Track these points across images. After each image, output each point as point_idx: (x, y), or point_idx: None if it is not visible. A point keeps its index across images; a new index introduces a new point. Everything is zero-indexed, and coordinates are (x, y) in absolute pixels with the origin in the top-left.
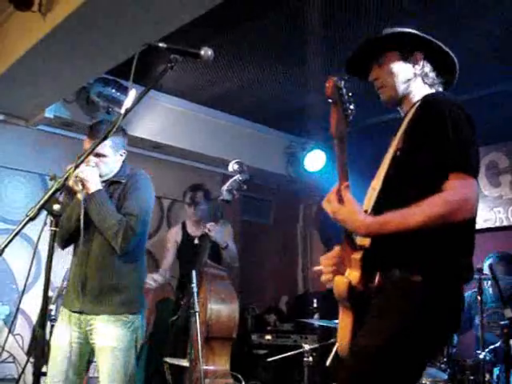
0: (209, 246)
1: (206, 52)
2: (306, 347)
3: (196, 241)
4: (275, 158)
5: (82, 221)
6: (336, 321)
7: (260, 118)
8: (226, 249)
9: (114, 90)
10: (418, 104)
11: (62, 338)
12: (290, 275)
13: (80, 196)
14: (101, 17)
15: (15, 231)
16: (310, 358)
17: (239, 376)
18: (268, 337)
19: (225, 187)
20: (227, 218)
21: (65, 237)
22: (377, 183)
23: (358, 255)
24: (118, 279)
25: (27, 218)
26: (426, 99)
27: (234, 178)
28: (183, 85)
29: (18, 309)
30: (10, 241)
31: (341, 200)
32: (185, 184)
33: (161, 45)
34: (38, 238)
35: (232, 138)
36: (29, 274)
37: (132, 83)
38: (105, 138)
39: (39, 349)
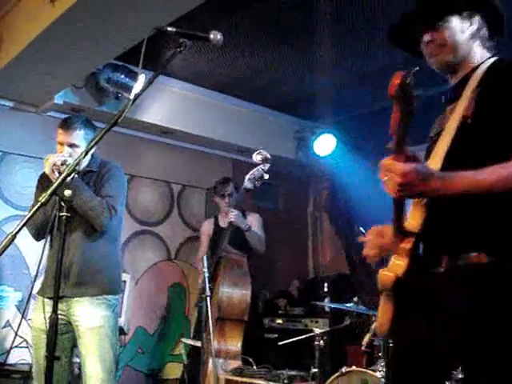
0: (230, 233)
1: (216, 36)
2: (317, 331)
3: None
4: (285, 143)
5: (57, 209)
6: (347, 304)
7: (270, 103)
8: (248, 231)
9: (123, 76)
10: (486, 67)
11: (41, 321)
12: (301, 259)
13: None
14: (109, 2)
15: (27, 217)
16: (321, 342)
17: (250, 359)
18: (279, 321)
19: (247, 176)
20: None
21: (40, 228)
22: (434, 163)
23: (407, 245)
24: (99, 261)
25: (39, 204)
26: (501, 61)
27: (258, 167)
28: (193, 70)
29: (30, 294)
30: (22, 227)
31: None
32: (194, 169)
33: (170, 29)
34: (51, 224)
35: (241, 123)
36: (41, 260)
37: (141, 68)
38: (114, 124)
39: (52, 333)
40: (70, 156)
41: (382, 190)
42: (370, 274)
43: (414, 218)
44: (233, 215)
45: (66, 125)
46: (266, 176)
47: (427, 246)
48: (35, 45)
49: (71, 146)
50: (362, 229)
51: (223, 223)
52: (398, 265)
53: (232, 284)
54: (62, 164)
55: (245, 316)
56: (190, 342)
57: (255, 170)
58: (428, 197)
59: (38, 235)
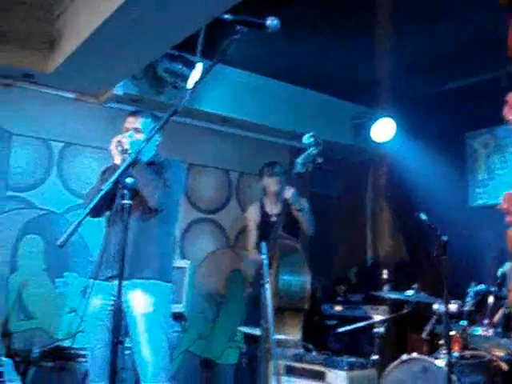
0: (283, 218)
1: (272, 22)
2: (377, 318)
3: (273, 218)
4: (343, 129)
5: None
6: (407, 292)
7: (327, 89)
8: (302, 211)
9: (180, 66)
10: None
11: (97, 307)
12: (359, 246)
13: (117, 160)
14: None
15: (91, 204)
16: (381, 329)
17: (310, 346)
18: (338, 307)
19: (299, 160)
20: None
21: (99, 206)
22: None
23: None
24: (152, 246)
25: (102, 192)
26: None
27: (309, 150)
28: (249, 57)
29: (94, 280)
30: (86, 215)
31: None
32: (252, 157)
33: (226, 16)
34: (112, 212)
35: (298, 110)
36: (105, 247)
37: (199, 57)
38: (175, 112)
39: (116, 317)
40: (132, 137)
41: (443, 176)
42: (431, 261)
43: None
44: (289, 192)
45: (134, 112)
46: (319, 159)
47: None
48: (94, 38)
49: (135, 129)
50: (422, 215)
51: (270, 209)
52: None
53: (290, 272)
54: (124, 150)
55: (305, 304)
56: (247, 330)
57: (306, 153)
58: None
59: (96, 214)
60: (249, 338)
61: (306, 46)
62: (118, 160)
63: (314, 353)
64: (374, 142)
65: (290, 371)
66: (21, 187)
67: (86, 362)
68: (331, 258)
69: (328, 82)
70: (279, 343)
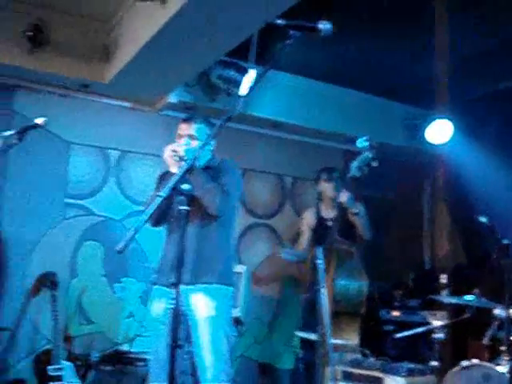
0: (339, 223)
1: (325, 26)
2: (436, 323)
3: (329, 223)
4: (395, 130)
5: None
6: (468, 297)
7: (377, 90)
8: (358, 215)
9: (233, 72)
10: None
11: (160, 311)
12: (416, 250)
13: (173, 169)
14: (217, 1)
15: (150, 210)
16: (441, 335)
17: (368, 351)
18: (395, 313)
19: (354, 164)
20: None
21: (158, 216)
22: None
23: None
24: (214, 251)
25: (161, 198)
26: None
27: (364, 154)
28: (299, 61)
29: (153, 285)
30: (145, 222)
31: None
32: (305, 162)
33: (279, 21)
34: (171, 217)
35: (349, 112)
36: (164, 254)
37: (251, 63)
38: (229, 119)
39: (175, 321)
40: (187, 145)
41: (502, 177)
42: (491, 265)
43: None
44: (345, 196)
45: (187, 119)
46: (375, 163)
47: None
48: (149, 47)
49: (190, 136)
50: (482, 218)
51: (326, 213)
52: None
53: (347, 276)
54: (180, 159)
55: (362, 309)
56: (303, 334)
57: (361, 157)
58: None
59: (156, 223)
60: (305, 342)
61: (356, 47)
62: (173, 169)
63: (371, 358)
64: (429, 143)
65: (348, 377)
66: (79, 195)
67: (145, 365)
68: (387, 262)
69: (378, 84)
70: (336, 348)
